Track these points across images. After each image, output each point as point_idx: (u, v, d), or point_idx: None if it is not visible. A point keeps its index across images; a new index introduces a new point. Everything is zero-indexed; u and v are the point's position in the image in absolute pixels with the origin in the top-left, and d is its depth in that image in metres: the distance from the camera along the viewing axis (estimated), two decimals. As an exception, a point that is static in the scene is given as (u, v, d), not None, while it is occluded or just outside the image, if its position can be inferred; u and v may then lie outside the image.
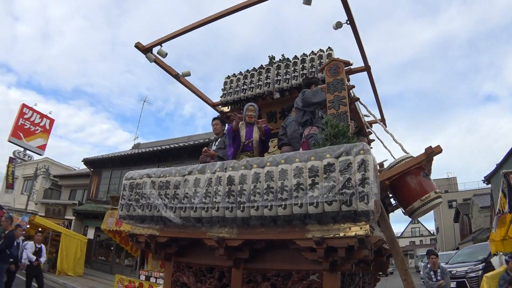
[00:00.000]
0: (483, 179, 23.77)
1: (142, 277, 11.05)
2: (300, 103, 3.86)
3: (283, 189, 2.76)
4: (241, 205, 2.93)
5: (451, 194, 39.56)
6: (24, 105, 23.48)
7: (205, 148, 4.72)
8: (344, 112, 3.30)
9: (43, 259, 9.83)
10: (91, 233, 20.16)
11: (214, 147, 4.86)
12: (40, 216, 20.65)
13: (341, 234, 2.57)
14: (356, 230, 2.52)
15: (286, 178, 2.78)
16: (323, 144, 2.94)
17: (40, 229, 12.65)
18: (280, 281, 3.06)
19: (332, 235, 2.60)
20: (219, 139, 4.88)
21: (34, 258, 9.24)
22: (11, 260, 8.14)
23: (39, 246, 9.72)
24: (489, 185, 23.29)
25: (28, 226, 15.67)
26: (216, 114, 5.74)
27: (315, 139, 3.38)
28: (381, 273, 4.97)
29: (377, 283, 4.96)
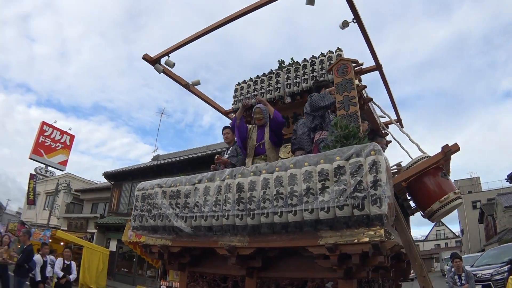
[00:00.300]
0: (506, 177, 23.09)
1: (163, 288, 11.06)
2: (308, 107, 3.76)
3: (293, 194, 2.67)
4: (251, 212, 2.86)
5: (474, 194, 38.49)
6: (44, 123, 23.96)
7: (217, 155, 4.66)
8: (354, 113, 3.20)
9: (73, 276, 9.28)
10: (113, 245, 20.32)
11: (226, 156, 4.80)
12: (63, 230, 20.95)
13: (355, 240, 2.46)
14: (370, 235, 2.40)
15: (295, 183, 2.69)
16: (333, 147, 2.84)
17: (68, 245, 12.47)
18: (295, 289, 2.97)
19: (345, 241, 2.49)
20: (231, 147, 4.82)
21: (61, 274, 8.89)
22: (39, 280, 8.21)
23: (68, 262, 9.22)
24: (512, 184, 22.61)
25: (50, 240, 15.87)
26: (229, 122, 5.69)
27: (326, 142, 3.28)
28: (402, 278, 4.81)
29: (399, 289, 4.80)
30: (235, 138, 4.73)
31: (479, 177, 42.33)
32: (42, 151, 23.16)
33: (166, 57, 4.75)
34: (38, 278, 8.14)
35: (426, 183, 3.65)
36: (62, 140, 24.71)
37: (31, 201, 22.67)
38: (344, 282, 2.73)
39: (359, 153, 2.53)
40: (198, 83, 5.20)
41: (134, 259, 19.03)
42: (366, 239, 2.41)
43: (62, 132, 24.92)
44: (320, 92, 3.88)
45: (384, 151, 5.05)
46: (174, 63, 4.74)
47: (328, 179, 2.56)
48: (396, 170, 3.98)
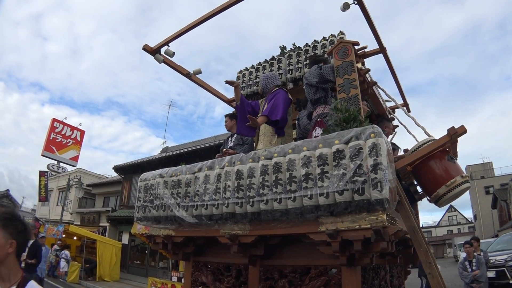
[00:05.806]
0: (521, 162, 22.72)
1: (174, 279, 11.16)
2: (315, 78, 3.59)
3: (292, 180, 2.61)
4: (251, 200, 2.80)
5: (487, 180, 37.98)
6: (54, 120, 24.23)
7: (225, 149, 4.49)
8: (355, 95, 3.10)
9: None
10: (125, 238, 20.55)
11: (231, 143, 4.73)
12: (76, 225, 21.25)
13: (356, 226, 2.39)
14: (371, 221, 2.33)
15: (294, 169, 2.62)
16: (333, 130, 2.77)
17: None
18: (298, 277, 2.92)
19: (346, 227, 2.42)
20: (235, 135, 4.74)
21: None
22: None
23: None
24: (528, 168, 22.23)
25: (64, 236, 16.11)
26: (233, 110, 5.64)
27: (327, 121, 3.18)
28: (411, 265, 4.74)
29: (407, 275, 4.73)
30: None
31: (491, 162, 41.82)
32: (53, 148, 23.49)
33: (166, 47, 4.67)
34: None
35: (432, 167, 3.55)
36: (72, 136, 25.04)
37: (42, 197, 23.00)
38: (348, 269, 2.67)
39: (358, 136, 2.45)
40: (199, 71, 5.11)
41: (146, 251, 19.23)
42: (368, 225, 2.34)
43: (73, 128, 25.22)
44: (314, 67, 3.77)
45: (393, 136, 4.97)
46: (174, 52, 4.66)
47: (327, 164, 2.49)
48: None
